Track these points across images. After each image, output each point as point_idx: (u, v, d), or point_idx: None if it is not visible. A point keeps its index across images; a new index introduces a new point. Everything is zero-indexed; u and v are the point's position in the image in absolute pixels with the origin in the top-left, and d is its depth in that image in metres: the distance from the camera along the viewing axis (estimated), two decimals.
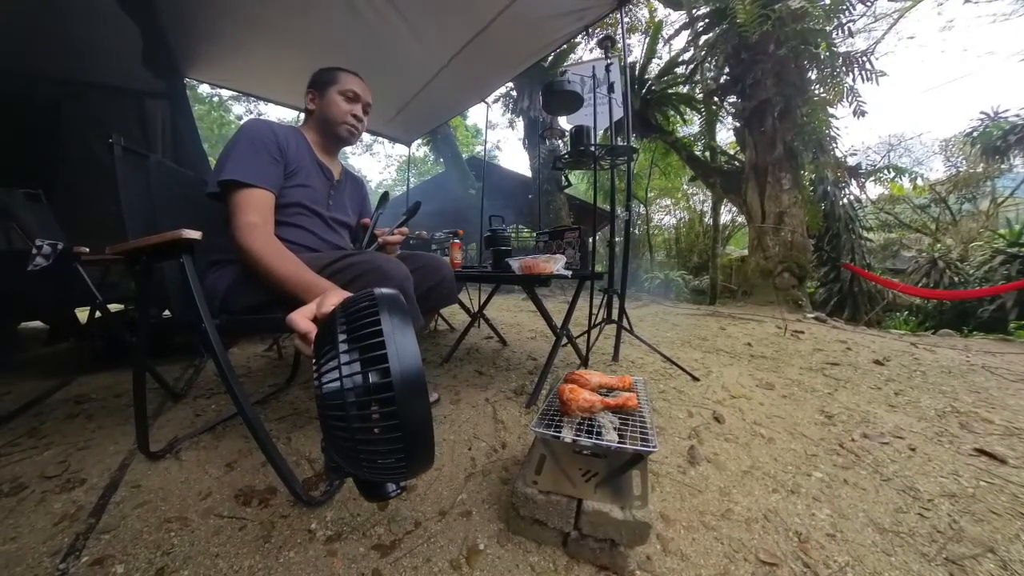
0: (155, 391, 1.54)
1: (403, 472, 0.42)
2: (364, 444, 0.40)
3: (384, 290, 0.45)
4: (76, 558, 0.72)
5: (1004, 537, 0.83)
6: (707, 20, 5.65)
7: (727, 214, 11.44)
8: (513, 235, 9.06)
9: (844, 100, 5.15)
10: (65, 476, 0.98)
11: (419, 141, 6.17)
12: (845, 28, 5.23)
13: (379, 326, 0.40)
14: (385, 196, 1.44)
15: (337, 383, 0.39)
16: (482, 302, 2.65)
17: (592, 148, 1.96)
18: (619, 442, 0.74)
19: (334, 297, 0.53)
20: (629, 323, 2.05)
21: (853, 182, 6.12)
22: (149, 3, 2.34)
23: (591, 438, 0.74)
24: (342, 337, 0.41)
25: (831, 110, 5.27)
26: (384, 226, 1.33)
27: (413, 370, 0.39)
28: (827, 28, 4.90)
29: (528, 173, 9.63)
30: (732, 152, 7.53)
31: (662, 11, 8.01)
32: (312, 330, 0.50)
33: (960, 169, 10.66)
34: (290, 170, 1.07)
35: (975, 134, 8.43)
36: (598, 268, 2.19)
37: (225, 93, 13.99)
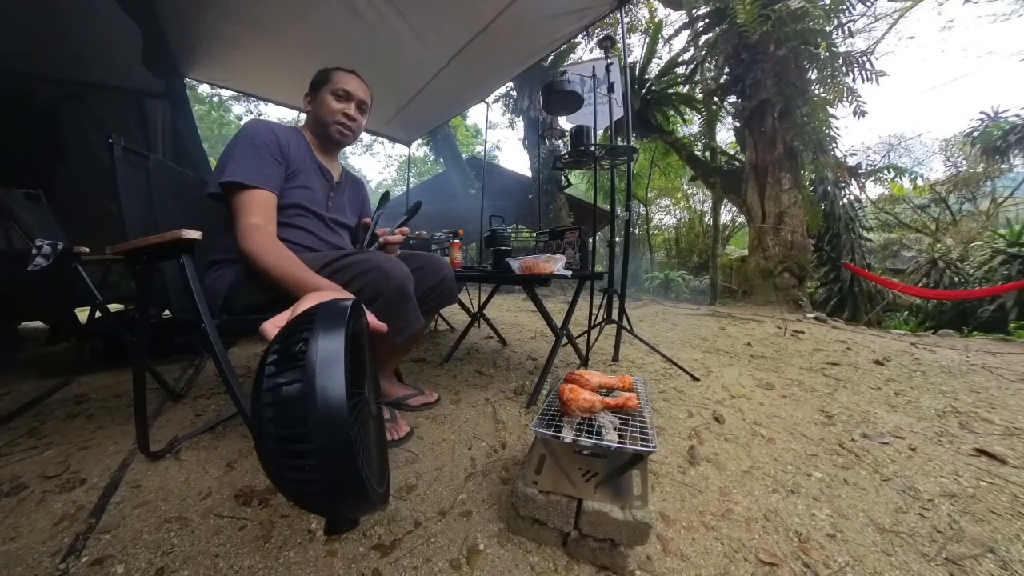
0: (155, 391, 1.54)
1: (335, 511, 0.39)
2: (285, 477, 0.36)
3: (333, 304, 0.42)
4: (76, 558, 0.72)
5: (1004, 537, 0.83)
6: (707, 20, 5.65)
7: (727, 214, 11.47)
8: (513, 235, 9.06)
9: (844, 100, 5.15)
10: (65, 476, 0.98)
11: (419, 141, 6.17)
12: (845, 28, 5.23)
13: (305, 345, 0.36)
14: (386, 196, 1.44)
15: (257, 402, 0.36)
16: (482, 302, 2.65)
17: (592, 148, 1.96)
18: (619, 442, 0.74)
19: (309, 303, 0.51)
20: (629, 323, 2.05)
21: (853, 182, 6.12)
22: (149, 3, 2.34)
23: (591, 438, 0.74)
24: (272, 357, 0.37)
25: (831, 110, 5.27)
26: (384, 226, 1.33)
27: (332, 401, 0.34)
28: (827, 28, 4.90)
29: (528, 173, 9.63)
30: (732, 152, 7.53)
31: (662, 11, 8.03)
32: None
33: (960, 169, 10.68)
34: (291, 171, 1.06)
35: (975, 134, 8.44)
36: (598, 268, 2.19)
37: (225, 93, 14.00)
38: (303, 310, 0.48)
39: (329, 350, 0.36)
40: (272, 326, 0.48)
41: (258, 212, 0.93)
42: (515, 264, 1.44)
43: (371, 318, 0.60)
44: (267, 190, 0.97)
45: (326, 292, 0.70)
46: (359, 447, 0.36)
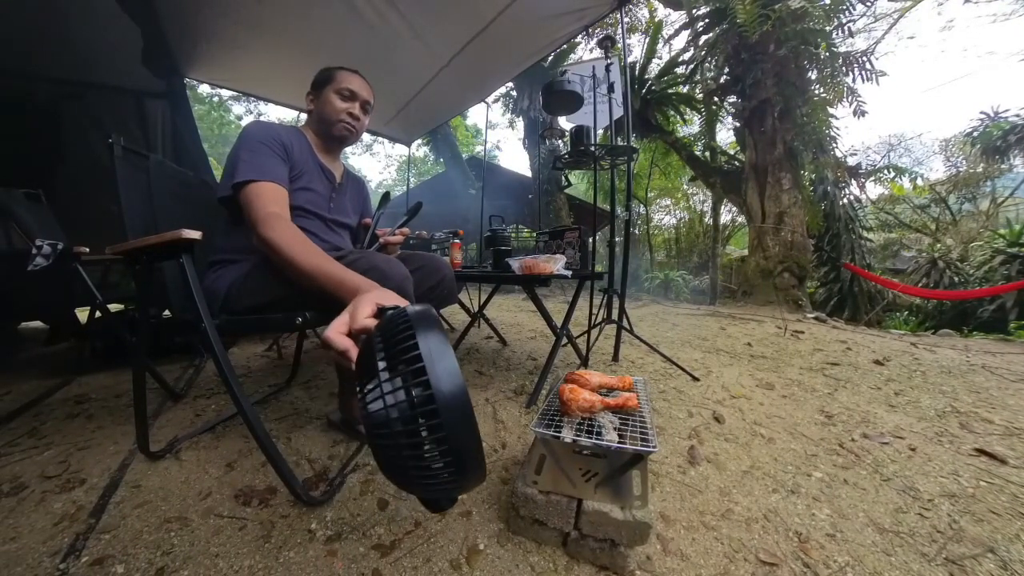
0: (155, 391, 1.54)
1: (456, 488, 0.42)
2: (415, 466, 0.39)
3: (417, 308, 0.44)
4: (76, 558, 0.72)
5: (1004, 537, 0.83)
6: (707, 20, 5.65)
7: (727, 214, 11.46)
8: (513, 235, 9.06)
9: (844, 100, 5.14)
10: (65, 476, 0.98)
11: (419, 141, 6.17)
12: (845, 28, 5.23)
13: (417, 350, 0.39)
14: (386, 196, 1.44)
15: (382, 408, 0.39)
16: (482, 302, 2.65)
17: (592, 148, 1.96)
18: (619, 442, 0.74)
19: (367, 308, 0.51)
20: (629, 323, 2.05)
21: (853, 182, 6.12)
22: (149, 3, 2.34)
23: (591, 438, 0.74)
24: (381, 365, 0.40)
25: (831, 110, 5.27)
26: (385, 226, 1.33)
27: (456, 390, 0.38)
28: (827, 28, 4.90)
29: (528, 173, 9.63)
30: (732, 152, 7.53)
31: (662, 11, 8.03)
32: (350, 347, 0.48)
33: (960, 169, 10.68)
34: (294, 173, 1.06)
35: (975, 134, 8.44)
36: (598, 268, 2.19)
37: (225, 93, 14.00)
38: (361, 317, 0.50)
39: (439, 346, 0.40)
40: (336, 334, 0.49)
41: (274, 202, 0.91)
42: (515, 264, 1.44)
43: None
44: (279, 184, 0.96)
45: (379, 291, 0.62)
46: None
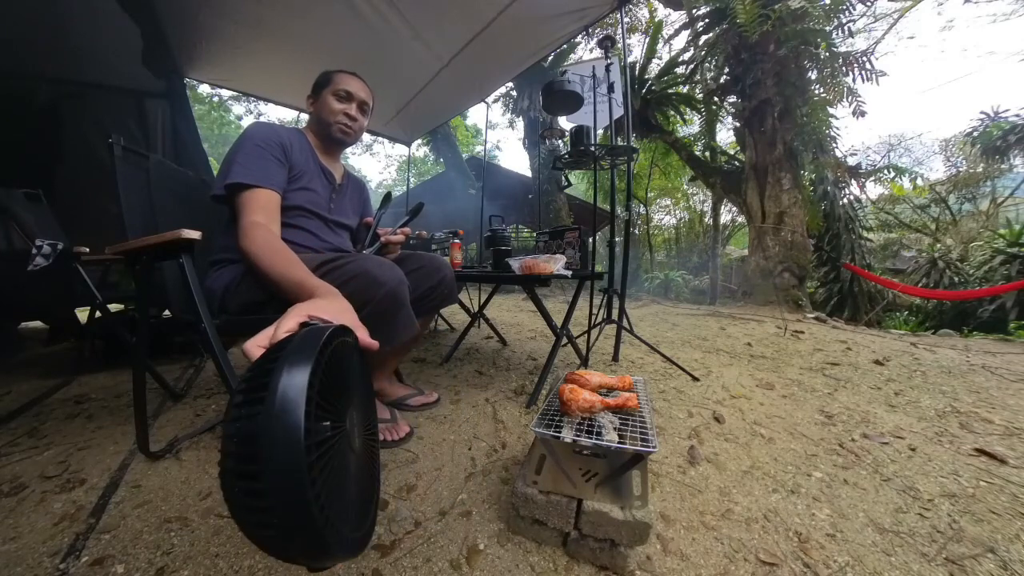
0: (155, 391, 1.54)
1: (291, 558, 0.35)
2: (242, 513, 0.34)
3: (309, 335, 0.39)
4: (76, 558, 0.72)
5: (1004, 537, 0.83)
6: (707, 20, 5.65)
7: (727, 214, 11.47)
8: (513, 235, 9.07)
9: (844, 100, 5.14)
10: (65, 476, 0.98)
11: (419, 141, 6.17)
12: (845, 28, 5.23)
13: (267, 379, 0.34)
14: (388, 196, 1.44)
15: (225, 436, 0.34)
16: (482, 302, 2.65)
17: (592, 148, 1.96)
18: (619, 442, 0.74)
19: (291, 321, 0.48)
20: (629, 323, 2.05)
21: (853, 182, 6.12)
22: (149, 3, 2.34)
23: (591, 438, 0.74)
24: (240, 386, 0.36)
25: (831, 110, 5.27)
26: (386, 226, 1.33)
27: (287, 444, 0.32)
28: (827, 28, 4.90)
29: (528, 173, 9.63)
30: (732, 152, 7.53)
31: (662, 11, 8.03)
32: None
33: (960, 169, 10.68)
34: (294, 174, 1.07)
35: (975, 134, 8.44)
36: (598, 268, 2.19)
37: (225, 93, 13.99)
38: (282, 332, 0.46)
39: (293, 385, 0.34)
40: (255, 347, 0.45)
41: (260, 211, 0.92)
42: (515, 264, 1.44)
43: (362, 335, 0.54)
44: (271, 189, 0.96)
45: (319, 300, 0.63)
46: (318, 491, 0.33)
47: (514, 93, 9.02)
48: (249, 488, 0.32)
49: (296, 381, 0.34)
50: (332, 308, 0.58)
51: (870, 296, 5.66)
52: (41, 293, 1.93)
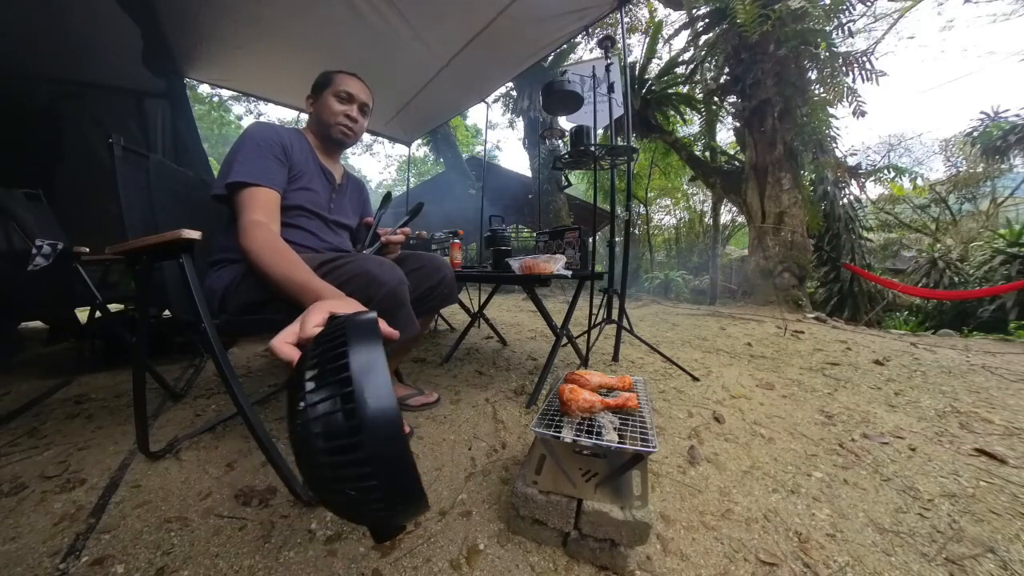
0: (155, 391, 1.54)
1: (391, 518, 0.38)
2: (339, 491, 0.36)
3: (361, 318, 0.41)
4: (76, 558, 0.72)
5: (1004, 537, 0.83)
6: (707, 20, 5.65)
7: (727, 214, 11.47)
8: (513, 235, 9.07)
9: (844, 100, 5.14)
10: (65, 476, 0.98)
11: (419, 141, 6.17)
12: (845, 28, 5.23)
13: (346, 359, 0.36)
14: (388, 196, 1.44)
15: (304, 426, 0.35)
16: (482, 302, 2.65)
17: (592, 148, 1.96)
18: (619, 442, 0.74)
19: (317, 316, 0.49)
20: (629, 323, 2.05)
21: (853, 182, 6.12)
22: (149, 3, 2.34)
23: (591, 438, 0.74)
24: (309, 374, 0.37)
25: (831, 110, 5.27)
26: (386, 226, 1.33)
27: (384, 409, 0.35)
28: (827, 28, 4.90)
29: (528, 173, 9.63)
30: (732, 152, 7.53)
31: (662, 11, 8.03)
32: (296, 357, 0.44)
33: (960, 169, 10.68)
34: (294, 173, 1.07)
35: (975, 134, 8.44)
36: (598, 268, 2.19)
37: (225, 93, 13.99)
38: (329, 320, 0.48)
39: (371, 359, 0.36)
40: (282, 343, 0.46)
41: (260, 210, 0.92)
42: (515, 264, 1.44)
43: (383, 326, 0.56)
44: (271, 188, 0.96)
45: (329, 301, 0.63)
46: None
47: (514, 93, 9.02)
48: (355, 460, 0.35)
49: (373, 354, 0.37)
50: (345, 307, 0.58)
51: (870, 296, 5.66)
52: (41, 293, 1.93)
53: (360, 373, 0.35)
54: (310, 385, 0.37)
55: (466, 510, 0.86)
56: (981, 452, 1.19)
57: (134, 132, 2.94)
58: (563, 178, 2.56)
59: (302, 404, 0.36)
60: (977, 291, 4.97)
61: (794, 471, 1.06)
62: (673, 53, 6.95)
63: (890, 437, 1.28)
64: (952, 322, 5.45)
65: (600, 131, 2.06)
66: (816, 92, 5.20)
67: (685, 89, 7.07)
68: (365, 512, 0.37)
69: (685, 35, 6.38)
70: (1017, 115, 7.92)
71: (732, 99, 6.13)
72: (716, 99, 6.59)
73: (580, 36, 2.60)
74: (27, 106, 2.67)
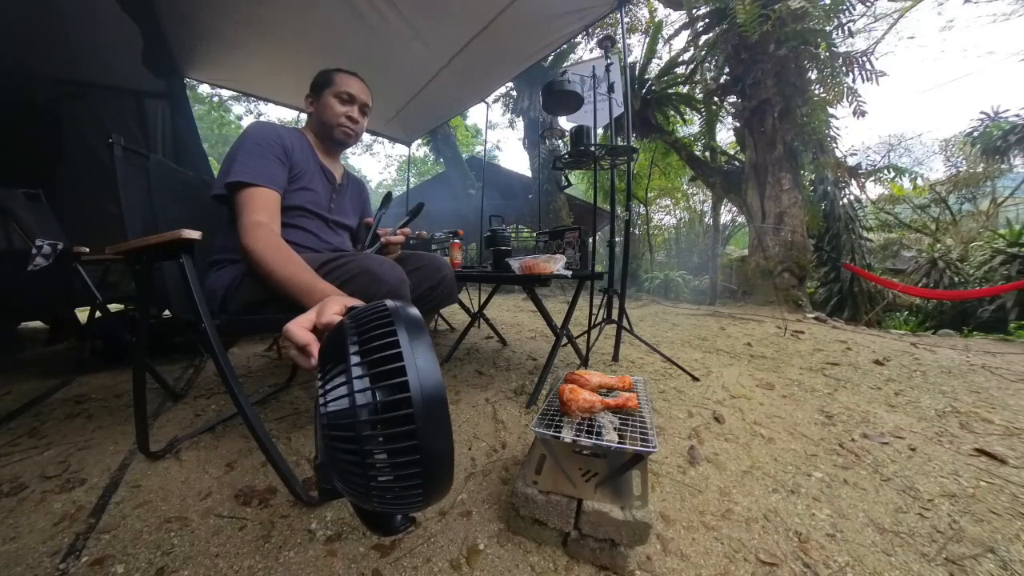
0: (155, 391, 1.54)
1: (418, 503, 0.38)
2: (376, 472, 0.35)
3: (397, 303, 0.41)
4: (76, 558, 0.72)
5: (1004, 537, 0.83)
6: (707, 20, 5.65)
7: (727, 214, 11.46)
8: (513, 235, 9.06)
9: (844, 100, 5.14)
10: (65, 476, 0.98)
11: (419, 141, 6.17)
12: (845, 28, 5.23)
13: (395, 337, 0.36)
14: (388, 196, 1.44)
15: (346, 402, 0.35)
16: (482, 302, 2.65)
17: (592, 148, 1.96)
18: (619, 442, 0.74)
19: (335, 305, 0.49)
20: (629, 323, 2.05)
21: (853, 182, 6.11)
22: (149, 3, 2.34)
23: (591, 438, 0.74)
24: (353, 349, 0.37)
25: (831, 110, 5.27)
26: (386, 227, 1.33)
27: (435, 390, 0.35)
28: (827, 28, 4.89)
29: (528, 173, 9.63)
30: (732, 152, 7.52)
31: (662, 11, 8.01)
32: (312, 342, 0.45)
33: (960, 169, 10.67)
34: (294, 173, 1.06)
35: (975, 134, 8.43)
36: (598, 268, 2.19)
37: (225, 93, 13.97)
38: (330, 314, 0.47)
39: (417, 336, 0.37)
40: (299, 327, 0.45)
41: (262, 210, 0.91)
42: (515, 264, 1.44)
43: None
44: (271, 189, 0.96)
45: (342, 296, 0.64)
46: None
47: (514, 93, 9.02)
48: (407, 447, 0.34)
49: (421, 340, 0.37)
50: (353, 304, 0.58)
51: (870, 296, 5.66)
52: (41, 293, 1.93)
53: (411, 352, 0.35)
54: (355, 359, 0.36)
55: (466, 510, 0.86)
56: (981, 452, 1.19)
57: (134, 132, 2.95)
58: (563, 178, 2.56)
59: (342, 379, 0.36)
60: (977, 291, 4.97)
61: (794, 471, 1.06)
62: (673, 53, 6.95)
63: (890, 437, 1.28)
64: (952, 322, 5.45)
65: (600, 131, 2.06)
66: (816, 92, 5.20)
67: (685, 89, 7.07)
68: (396, 495, 0.37)
69: (685, 35, 6.38)
70: (1017, 115, 7.92)
71: (732, 99, 6.12)
72: (716, 99, 6.58)
73: (580, 36, 2.61)
74: (27, 106, 2.67)
